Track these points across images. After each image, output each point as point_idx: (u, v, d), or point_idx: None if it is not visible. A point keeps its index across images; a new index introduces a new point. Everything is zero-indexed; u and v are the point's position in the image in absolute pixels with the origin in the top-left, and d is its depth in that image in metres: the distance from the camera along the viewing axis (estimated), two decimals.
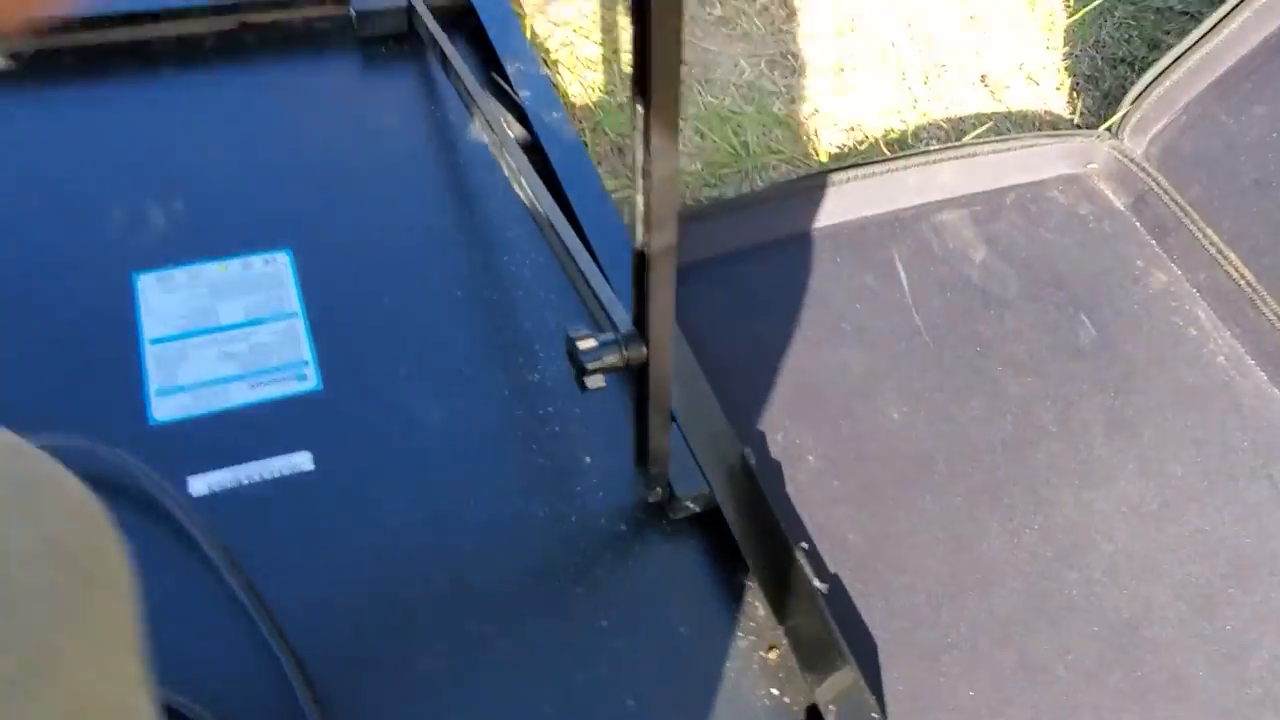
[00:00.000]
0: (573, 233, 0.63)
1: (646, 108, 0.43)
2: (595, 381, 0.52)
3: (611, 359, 0.53)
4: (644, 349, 0.53)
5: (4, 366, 0.65)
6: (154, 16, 0.88)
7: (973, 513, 0.77)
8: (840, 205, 0.94)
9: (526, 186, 0.70)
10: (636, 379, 0.56)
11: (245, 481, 0.63)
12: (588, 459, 0.68)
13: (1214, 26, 1.01)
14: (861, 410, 0.81)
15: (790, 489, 0.74)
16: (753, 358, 0.83)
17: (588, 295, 0.59)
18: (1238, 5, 1.00)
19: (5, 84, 0.83)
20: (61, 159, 0.79)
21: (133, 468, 0.59)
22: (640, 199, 0.47)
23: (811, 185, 0.93)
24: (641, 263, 0.50)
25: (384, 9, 0.92)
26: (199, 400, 0.66)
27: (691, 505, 0.65)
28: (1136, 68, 1.23)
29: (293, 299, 0.73)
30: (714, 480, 0.66)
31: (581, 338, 0.52)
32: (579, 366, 0.53)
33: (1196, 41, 1.01)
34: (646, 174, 0.46)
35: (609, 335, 0.54)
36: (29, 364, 0.66)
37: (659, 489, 0.65)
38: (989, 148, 1.02)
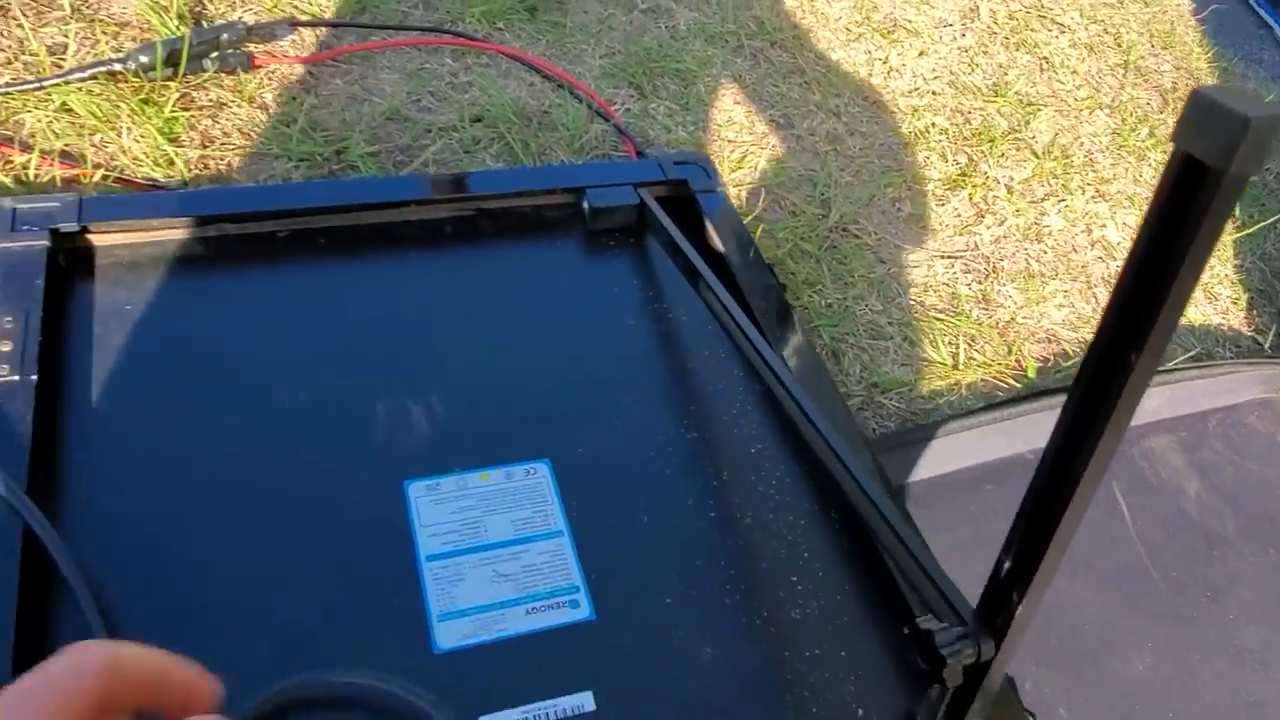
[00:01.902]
0: (890, 503, 0.62)
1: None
2: (954, 677, 0.51)
3: (967, 654, 0.52)
4: (994, 648, 0.52)
5: (283, 574, 0.65)
6: (401, 204, 0.91)
7: None
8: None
9: (791, 408, 0.70)
10: (965, 671, 0.55)
11: None
12: (860, 711, 0.66)
13: None
14: (1105, 659, 0.79)
15: None
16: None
17: (913, 572, 0.58)
18: None
19: (266, 263, 0.85)
20: (315, 342, 0.81)
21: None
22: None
23: (1029, 407, 0.93)
24: (1021, 566, 0.49)
25: (617, 206, 0.95)
26: (479, 627, 0.65)
27: None
28: None
29: (557, 515, 0.72)
30: None
31: (940, 629, 0.51)
32: (937, 659, 0.51)
33: None
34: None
35: (957, 628, 0.53)
36: (311, 571, 0.65)
37: None
38: (1193, 373, 1.02)
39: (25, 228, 0.78)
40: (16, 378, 0.68)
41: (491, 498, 0.72)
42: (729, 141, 1.24)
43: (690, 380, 0.86)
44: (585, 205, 0.95)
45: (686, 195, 1.00)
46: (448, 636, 0.64)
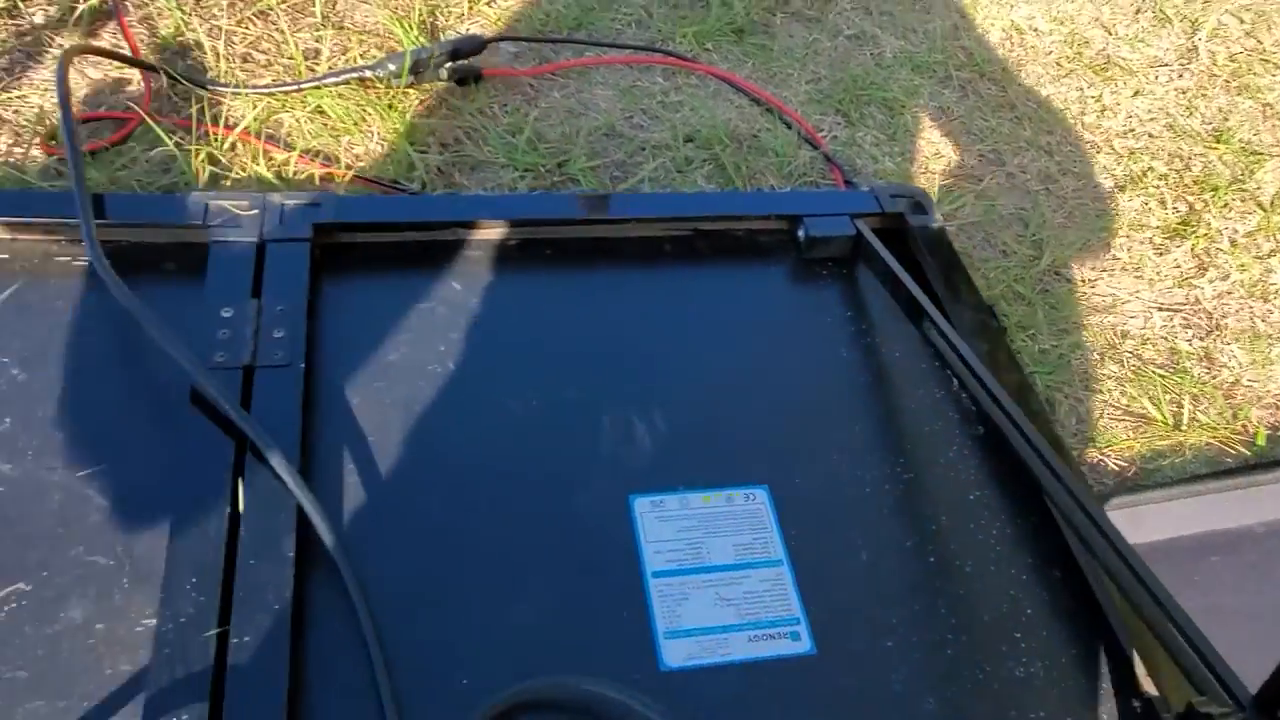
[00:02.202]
0: (1148, 569, 0.59)
1: None
2: None
3: None
4: None
5: (517, 579, 0.67)
6: (623, 220, 0.93)
7: None
8: None
9: (1026, 454, 0.68)
10: None
11: None
12: None
13: None
14: None
15: None
16: None
17: (1178, 646, 0.55)
18: None
19: (498, 269, 0.88)
20: (543, 351, 0.83)
21: None
22: None
23: (1262, 478, 0.88)
24: None
25: (833, 236, 0.94)
26: (703, 648, 0.65)
27: None
28: None
29: (776, 543, 0.72)
30: None
31: (1219, 714, 0.49)
32: None
33: None
34: None
35: (1236, 714, 0.50)
36: (542, 578, 0.67)
37: None
38: None
39: (291, 223, 0.83)
40: (288, 364, 0.73)
41: (713, 520, 0.73)
42: (937, 174, 1.22)
43: (906, 417, 0.84)
44: (801, 233, 0.95)
45: (902, 228, 0.99)
46: (673, 655, 0.65)
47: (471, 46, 1.11)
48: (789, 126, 1.21)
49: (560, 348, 0.84)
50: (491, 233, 0.90)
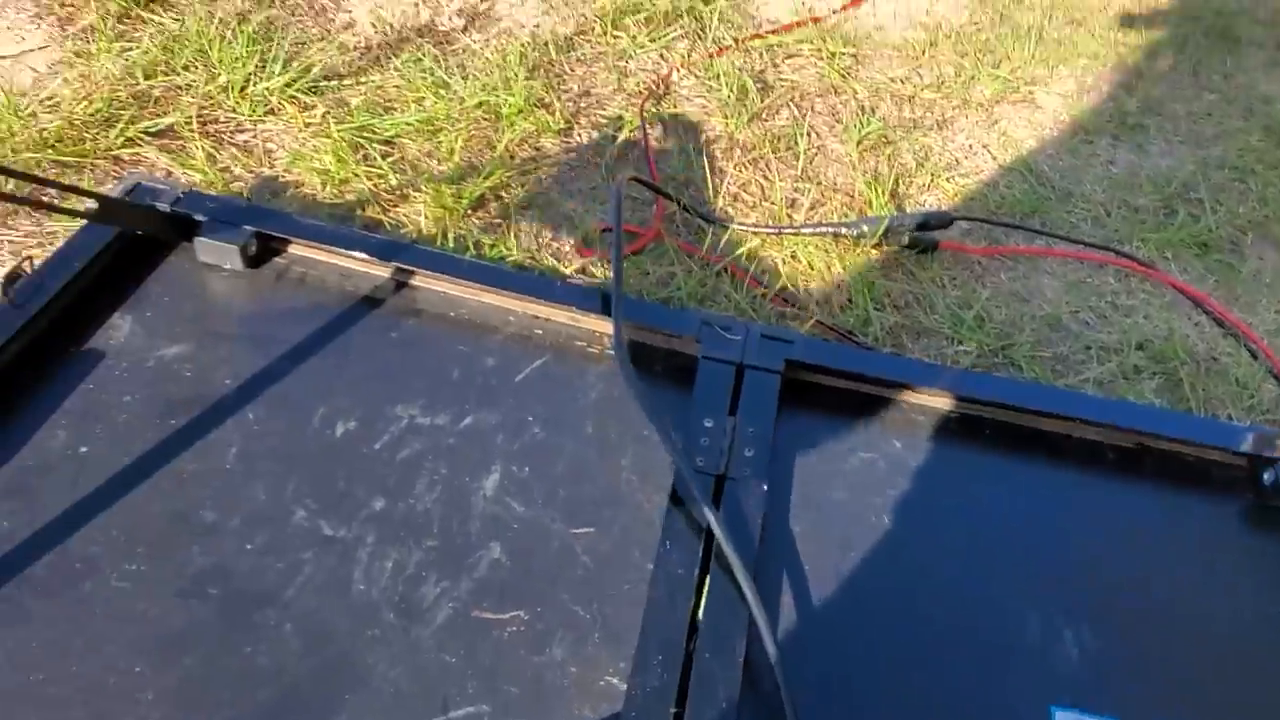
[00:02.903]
0: None
1: None
2: None
3: None
4: None
5: None
6: (1068, 419, 0.93)
7: None
8: None
9: None
10: None
11: None
12: None
13: None
14: None
15: None
16: None
17: None
18: None
19: (938, 441, 0.92)
20: (973, 532, 0.85)
21: None
22: None
23: None
24: None
25: None
26: None
27: None
28: None
29: None
30: None
31: None
32: None
33: None
34: None
35: None
36: None
37: None
38: None
39: (766, 353, 0.93)
40: (755, 481, 0.81)
41: None
42: None
43: None
44: (1268, 477, 0.89)
45: None
46: None
47: (940, 221, 1.18)
48: (1254, 356, 1.14)
49: (991, 530, 0.85)
50: (935, 401, 0.94)
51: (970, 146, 1.43)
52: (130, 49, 1.31)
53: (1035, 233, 1.29)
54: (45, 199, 0.91)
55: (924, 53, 1.61)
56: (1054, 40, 1.71)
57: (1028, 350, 1.10)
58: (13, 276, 0.82)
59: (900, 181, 1.33)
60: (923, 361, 0.97)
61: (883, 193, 1.27)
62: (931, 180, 1.34)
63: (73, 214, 0.83)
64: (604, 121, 1.35)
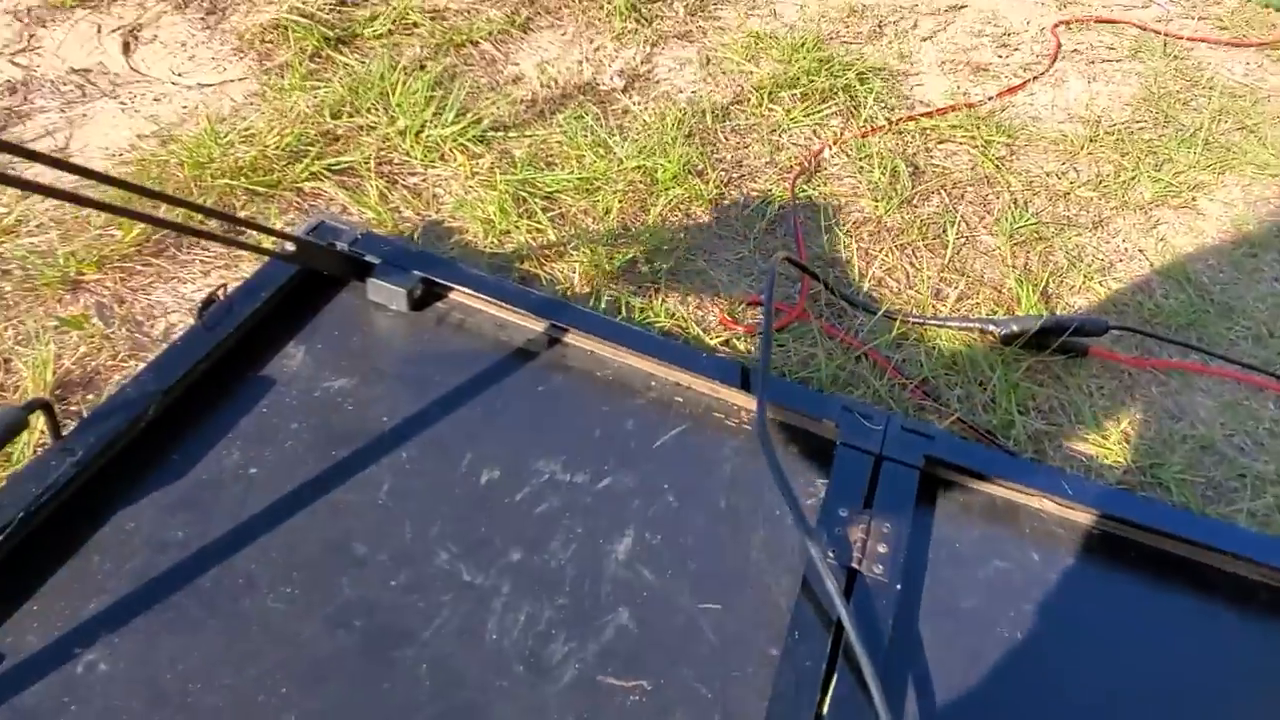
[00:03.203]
0: None
1: None
2: None
3: None
4: None
5: None
6: (1220, 551, 0.89)
7: None
8: None
9: None
10: None
11: None
12: None
13: None
14: None
15: None
16: None
17: None
18: None
19: (1079, 557, 0.89)
20: (1114, 661, 0.82)
21: None
22: None
23: None
24: None
25: None
26: None
27: None
28: None
29: None
30: None
31: None
32: None
33: None
34: None
35: None
36: None
37: None
38: None
39: (906, 447, 0.92)
40: (888, 582, 0.80)
41: None
42: None
43: None
44: None
45: None
46: None
47: (1095, 328, 1.15)
48: None
49: (1128, 659, 0.82)
50: (1078, 515, 0.91)
51: (1126, 250, 1.39)
52: (319, 87, 1.40)
53: (1191, 348, 1.24)
54: (240, 237, 0.98)
55: (1082, 148, 1.58)
56: (1221, 146, 1.65)
57: (1178, 472, 1.05)
58: (208, 301, 0.89)
59: (1051, 280, 1.30)
60: (1067, 472, 0.94)
61: (1033, 291, 1.25)
62: (1084, 282, 1.31)
63: (265, 252, 0.89)
64: (755, 193, 1.37)
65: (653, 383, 0.97)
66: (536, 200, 1.26)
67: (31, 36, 1.44)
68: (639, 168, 1.35)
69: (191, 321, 0.94)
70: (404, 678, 0.71)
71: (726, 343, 1.11)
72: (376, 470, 0.84)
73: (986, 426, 1.06)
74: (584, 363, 0.97)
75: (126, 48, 1.46)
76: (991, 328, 1.14)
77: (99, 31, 1.47)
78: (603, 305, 1.13)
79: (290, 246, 0.91)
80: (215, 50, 1.48)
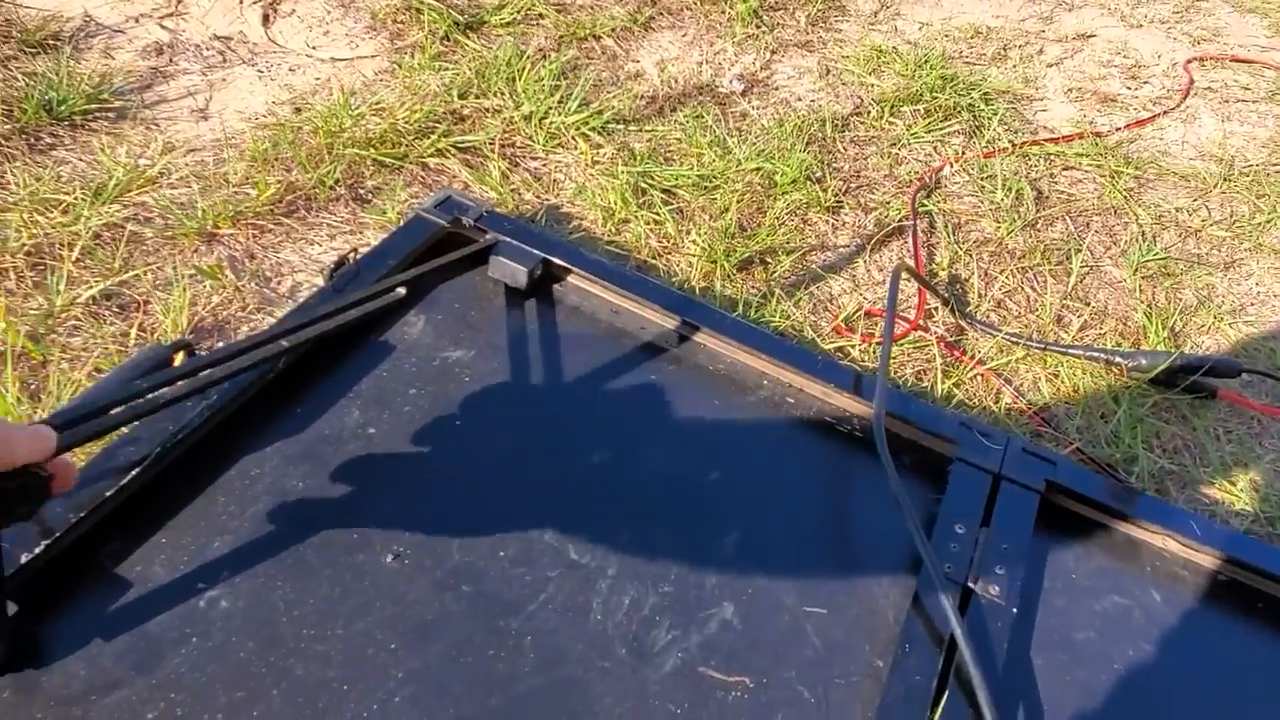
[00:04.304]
0: None
1: None
2: None
3: None
4: None
5: None
6: None
7: None
8: None
9: None
10: None
11: None
12: None
13: None
14: None
15: None
16: None
17: None
18: None
19: (1203, 601, 0.85)
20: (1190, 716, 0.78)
21: None
22: None
23: None
24: None
25: None
26: None
27: None
28: None
29: None
30: None
31: None
32: None
33: None
34: None
35: None
36: None
37: None
38: None
39: (1027, 470, 0.89)
40: (1004, 603, 0.77)
41: None
42: None
43: None
44: None
45: None
46: None
47: (1227, 369, 1.10)
48: None
49: (1250, 713, 0.77)
50: (1203, 559, 0.87)
51: (1259, 294, 1.33)
52: (448, 68, 1.42)
53: None
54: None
55: (1215, 186, 1.52)
56: None
57: None
58: (339, 264, 0.90)
59: (1179, 318, 1.25)
60: (1195, 514, 0.90)
61: (1161, 327, 1.20)
62: (1213, 322, 1.25)
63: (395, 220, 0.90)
64: (872, 205, 1.34)
65: (765, 381, 0.95)
66: (655, 192, 1.26)
67: (179, 2, 1.50)
68: (757, 169, 1.33)
69: (320, 282, 0.97)
70: (508, 647, 0.70)
71: (840, 350, 1.09)
72: (489, 442, 0.84)
73: (1107, 459, 1.01)
74: (697, 355, 0.97)
75: (266, 19, 1.51)
76: (1119, 359, 1.10)
77: (241, 2, 1.52)
78: (718, 300, 1.12)
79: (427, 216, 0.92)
80: (349, 27, 1.52)
